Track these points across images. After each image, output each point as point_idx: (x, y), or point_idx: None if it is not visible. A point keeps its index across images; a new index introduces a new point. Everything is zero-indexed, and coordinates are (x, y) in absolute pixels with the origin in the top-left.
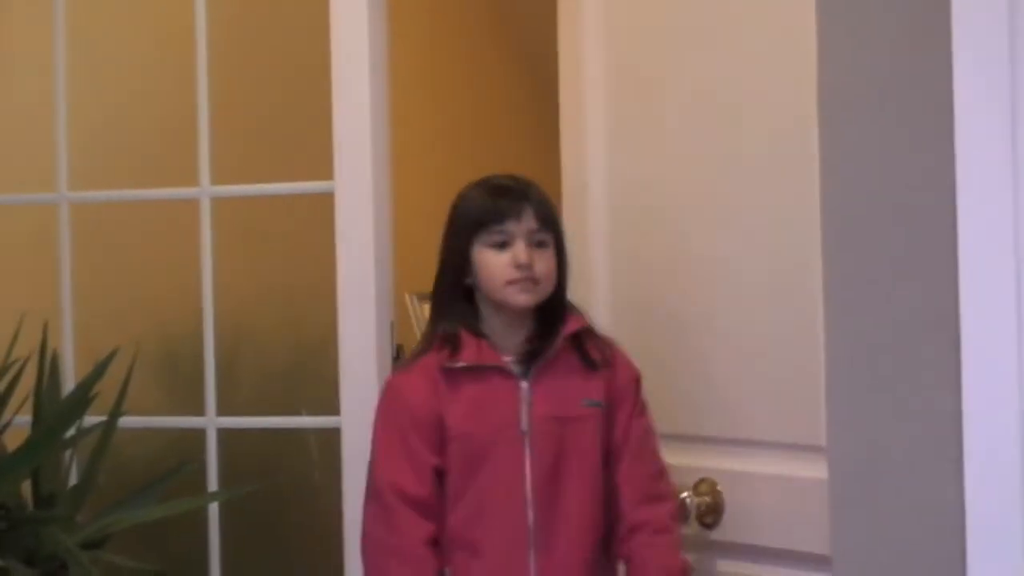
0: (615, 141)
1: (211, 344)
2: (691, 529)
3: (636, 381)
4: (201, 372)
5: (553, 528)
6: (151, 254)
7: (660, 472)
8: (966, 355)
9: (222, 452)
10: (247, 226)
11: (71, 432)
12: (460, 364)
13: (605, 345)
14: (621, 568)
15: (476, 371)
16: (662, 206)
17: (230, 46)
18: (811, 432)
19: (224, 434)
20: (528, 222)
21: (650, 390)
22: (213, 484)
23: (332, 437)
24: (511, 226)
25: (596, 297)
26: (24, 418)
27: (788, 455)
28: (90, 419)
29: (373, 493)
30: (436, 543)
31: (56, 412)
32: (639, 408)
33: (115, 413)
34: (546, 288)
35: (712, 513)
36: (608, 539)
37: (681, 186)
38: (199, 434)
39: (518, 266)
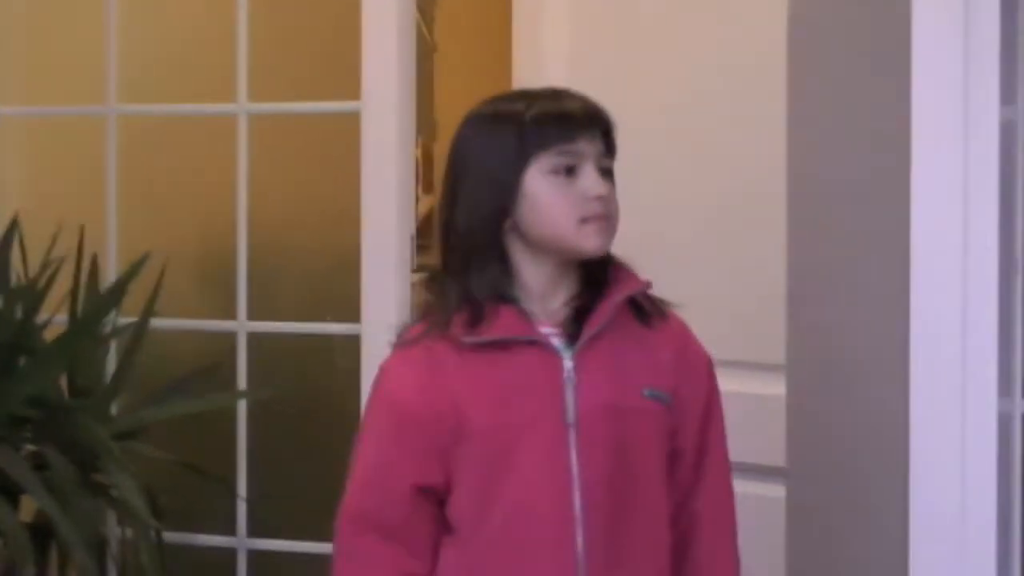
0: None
1: (244, 254)
2: None
3: (709, 369)
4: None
5: (613, 558)
6: (192, 167)
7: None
8: (914, 278)
9: (253, 355)
10: (283, 142)
11: (108, 329)
12: (486, 339)
13: (671, 315)
14: None
15: (504, 346)
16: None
17: None
18: (773, 351)
19: (255, 338)
20: (598, 143)
21: None
22: (243, 384)
23: (354, 344)
24: (583, 145)
25: None
26: (64, 317)
27: (751, 373)
28: (128, 320)
29: (339, 514)
30: None
31: (91, 308)
32: (715, 407)
33: (147, 313)
34: (615, 228)
35: None
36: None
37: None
38: (234, 338)
39: (598, 197)
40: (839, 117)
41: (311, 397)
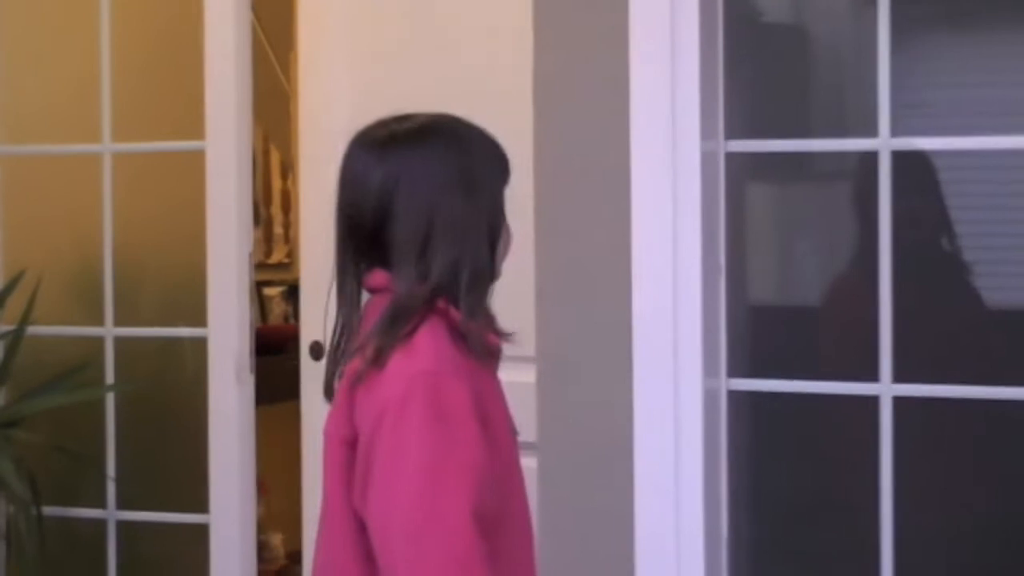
0: None
1: (110, 271)
2: None
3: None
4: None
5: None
6: (67, 197)
7: None
8: (635, 278)
9: (118, 356)
10: (145, 173)
11: None
12: (493, 350)
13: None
14: None
15: (493, 361)
16: None
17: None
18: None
19: (120, 342)
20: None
21: None
22: (110, 379)
23: (201, 345)
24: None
25: None
26: None
27: (507, 364)
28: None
29: (453, 520)
30: None
31: None
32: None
33: (24, 320)
34: None
35: None
36: None
37: None
38: (103, 341)
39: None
40: (576, 150)
41: (167, 390)
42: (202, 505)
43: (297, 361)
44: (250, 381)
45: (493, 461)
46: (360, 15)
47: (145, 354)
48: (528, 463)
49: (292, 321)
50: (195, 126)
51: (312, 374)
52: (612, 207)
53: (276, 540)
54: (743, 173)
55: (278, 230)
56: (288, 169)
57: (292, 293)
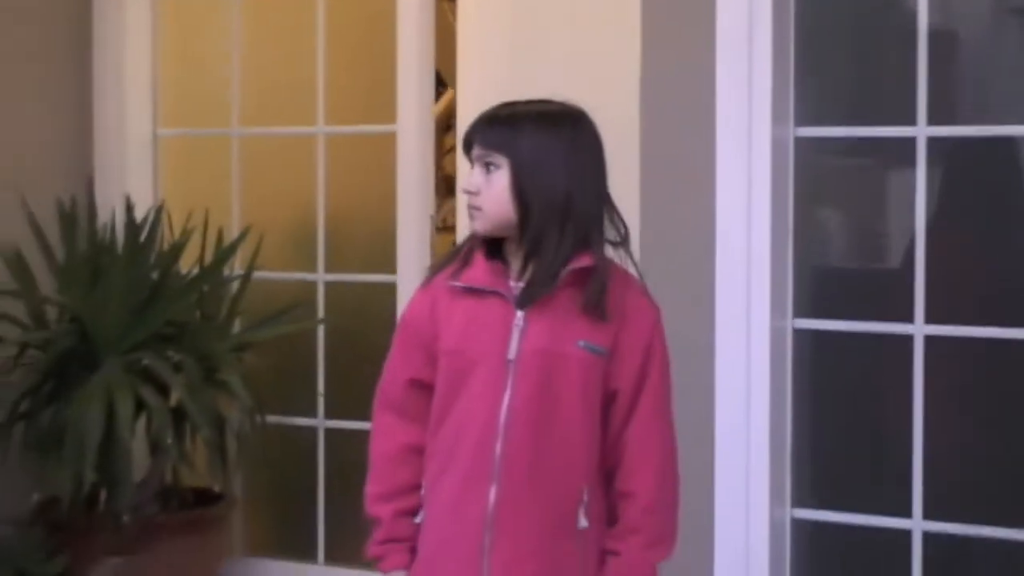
0: None
1: (322, 228)
2: None
3: (652, 329)
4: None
5: (519, 462)
6: (284, 172)
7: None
8: (718, 240)
9: (327, 298)
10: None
11: (226, 273)
12: (459, 284)
13: (620, 292)
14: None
15: (478, 292)
16: None
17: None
18: None
19: (328, 285)
20: (479, 145)
21: None
22: (320, 315)
23: (393, 289)
24: (476, 150)
25: None
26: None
27: None
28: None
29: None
30: (418, 451)
31: (213, 261)
32: (654, 357)
33: (251, 267)
34: (491, 214)
35: None
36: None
37: None
38: (315, 285)
39: (464, 191)
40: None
41: (365, 325)
42: None
43: None
44: None
45: (426, 368)
46: (513, 9)
47: (348, 295)
48: None
49: None
50: (386, 109)
51: None
52: (696, 187)
53: None
54: (811, 155)
55: None
56: None
57: None
